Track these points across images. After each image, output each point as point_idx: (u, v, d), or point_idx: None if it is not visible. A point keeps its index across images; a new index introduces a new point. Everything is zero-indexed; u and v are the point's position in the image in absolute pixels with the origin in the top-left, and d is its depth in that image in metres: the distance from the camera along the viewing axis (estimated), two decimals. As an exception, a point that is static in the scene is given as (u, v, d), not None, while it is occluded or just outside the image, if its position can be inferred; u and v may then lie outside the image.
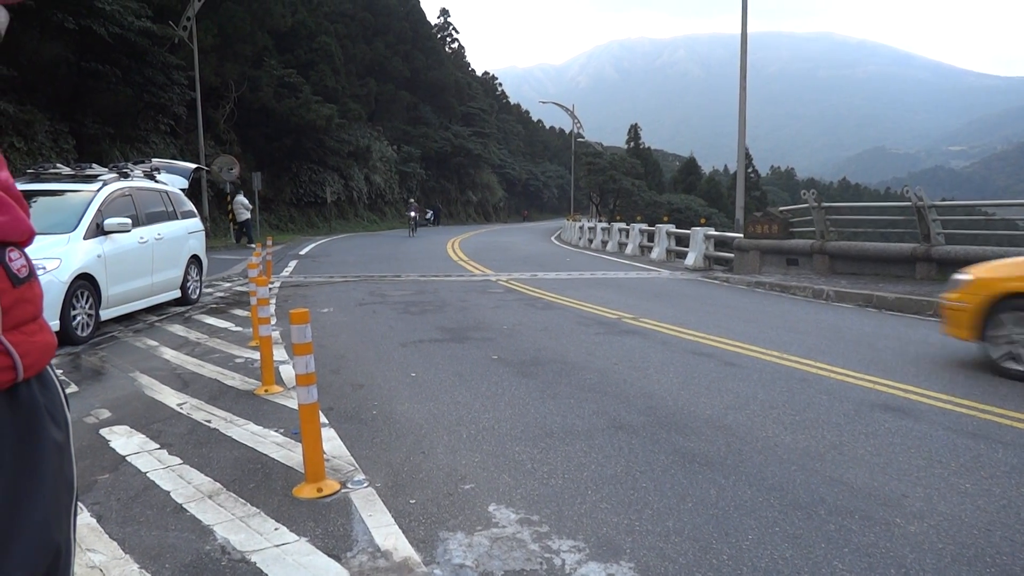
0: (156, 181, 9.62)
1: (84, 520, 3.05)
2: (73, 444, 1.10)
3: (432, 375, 5.74)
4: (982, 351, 5.93)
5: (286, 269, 15.24)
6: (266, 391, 5.19)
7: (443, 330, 7.78)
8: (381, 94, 49.90)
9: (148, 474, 3.63)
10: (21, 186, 1.07)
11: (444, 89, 59.24)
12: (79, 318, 7.01)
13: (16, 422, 0.99)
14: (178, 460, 3.84)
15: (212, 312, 9.30)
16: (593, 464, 3.74)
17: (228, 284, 12.64)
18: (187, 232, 9.80)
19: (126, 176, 8.79)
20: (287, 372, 5.68)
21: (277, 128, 32.42)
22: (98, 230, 7.59)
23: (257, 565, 2.68)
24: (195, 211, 10.50)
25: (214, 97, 28.98)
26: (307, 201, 35.50)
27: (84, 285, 7.14)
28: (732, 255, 14.99)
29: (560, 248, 25.11)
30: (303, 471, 3.49)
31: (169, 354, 6.63)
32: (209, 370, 5.97)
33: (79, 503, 1.16)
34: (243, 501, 3.28)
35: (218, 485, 3.48)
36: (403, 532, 2.95)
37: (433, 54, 59.02)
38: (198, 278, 10.16)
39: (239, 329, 7.96)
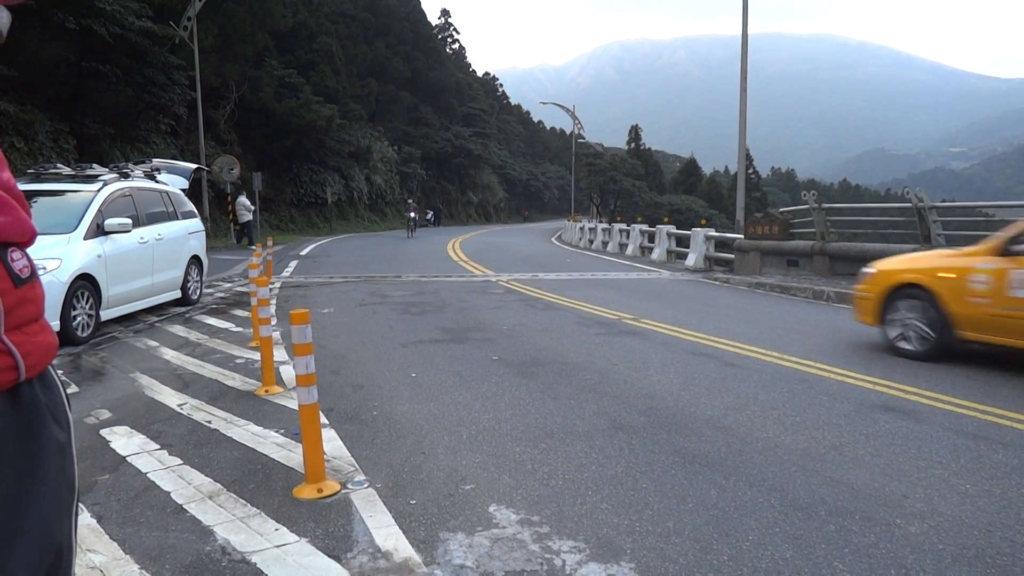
0: (156, 181, 9.62)
1: (84, 521, 3.05)
2: (75, 444, 1.10)
3: (432, 376, 5.74)
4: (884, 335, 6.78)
5: (286, 269, 15.24)
6: (266, 392, 5.19)
7: (443, 331, 7.78)
8: (382, 94, 49.92)
9: (148, 475, 3.63)
10: (21, 186, 1.07)
11: (445, 90, 59.26)
12: (79, 318, 7.01)
13: (18, 422, 0.99)
14: (178, 461, 3.84)
15: (212, 313, 9.30)
16: (593, 465, 3.74)
17: (228, 284, 12.64)
18: (187, 232, 9.80)
19: (126, 176, 8.79)
20: (287, 373, 5.68)
21: (278, 128, 32.43)
22: (98, 230, 7.59)
23: (257, 566, 2.68)
24: (195, 211, 10.50)
25: (215, 97, 29.00)
26: (307, 201, 35.50)
27: (84, 285, 7.14)
28: (732, 256, 14.99)
29: (560, 249, 25.11)
30: (303, 472, 3.49)
31: (169, 354, 6.63)
32: (209, 371, 5.97)
33: (79, 503, 1.16)
34: (243, 502, 3.28)
35: (218, 486, 3.48)
36: (403, 533, 2.95)
37: (434, 55, 59.05)
38: (198, 278, 10.16)
39: (239, 330, 7.96)
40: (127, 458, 3.88)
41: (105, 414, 4.72)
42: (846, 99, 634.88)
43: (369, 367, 6.10)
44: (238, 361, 6.33)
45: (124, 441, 4.16)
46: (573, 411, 4.73)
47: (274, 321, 7.65)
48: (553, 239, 32.06)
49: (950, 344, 6.24)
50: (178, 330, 7.95)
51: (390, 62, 50.23)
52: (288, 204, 34.50)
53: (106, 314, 7.63)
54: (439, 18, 73.50)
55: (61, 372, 1.13)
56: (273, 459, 3.85)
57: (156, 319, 8.65)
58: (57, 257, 6.83)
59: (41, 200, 7.67)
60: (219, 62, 27.47)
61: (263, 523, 3.05)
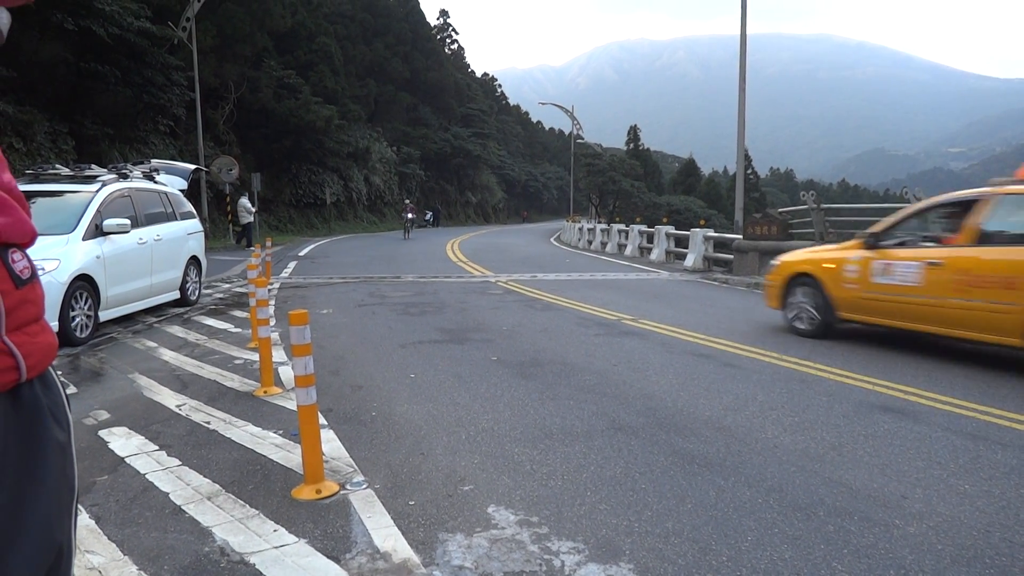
0: (155, 182, 9.61)
1: (83, 521, 3.05)
2: (74, 445, 1.10)
3: (431, 376, 5.74)
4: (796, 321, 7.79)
5: (285, 270, 15.24)
6: (265, 392, 5.19)
7: (442, 331, 7.78)
8: (381, 95, 49.93)
9: (147, 475, 3.63)
10: (20, 187, 1.07)
11: (444, 90, 59.26)
12: (78, 319, 7.00)
13: (20, 423, 1.00)
14: (177, 461, 3.84)
15: (211, 313, 9.30)
16: (592, 465, 3.74)
17: (227, 285, 12.64)
18: (186, 233, 9.80)
19: (125, 177, 8.78)
20: (286, 373, 5.68)
21: (276, 129, 32.42)
22: (97, 231, 7.58)
23: (256, 567, 2.68)
24: (194, 212, 10.49)
25: (213, 98, 28.98)
26: (306, 202, 35.49)
27: (83, 286, 7.13)
28: (731, 256, 15.00)
29: (559, 249, 25.12)
30: (302, 472, 3.49)
31: (168, 355, 6.62)
32: (208, 371, 5.97)
33: (78, 504, 1.16)
34: (242, 503, 3.28)
35: (217, 486, 3.47)
36: (402, 533, 2.95)
37: (433, 55, 59.05)
38: (197, 279, 10.16)
39: (238, 330, 7.95)
40: (126, 459, 3.88)
41: (104, 415, 4.72)
42: (845, 99, 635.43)
43: (368, 368, 6.10)
44: (237, 362, 6.33)
45: (123, 442, 4.16)
46: (572, 412, 4.73)
47: (273, 322, 7.66)
48: (552, 240, 32.06)
49: (832, 324, 7.37)
50: (177, 331, 7.95)
51: (389, 63, 50.24)
52: (287, 205, 34.50)
53: (105, 315, 7.63)
54: (438, 18, 73.56)
55: (60, 373, 1.13)
56: (272, 460, 3.85)
57: (155, 320, 8.65)
58: (56, 258, 6.83)
59: (40, 201, 7.67)
60: (218, 63, 27.45)
61: (262, 524, 3.05)
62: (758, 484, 3.48)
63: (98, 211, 7.70)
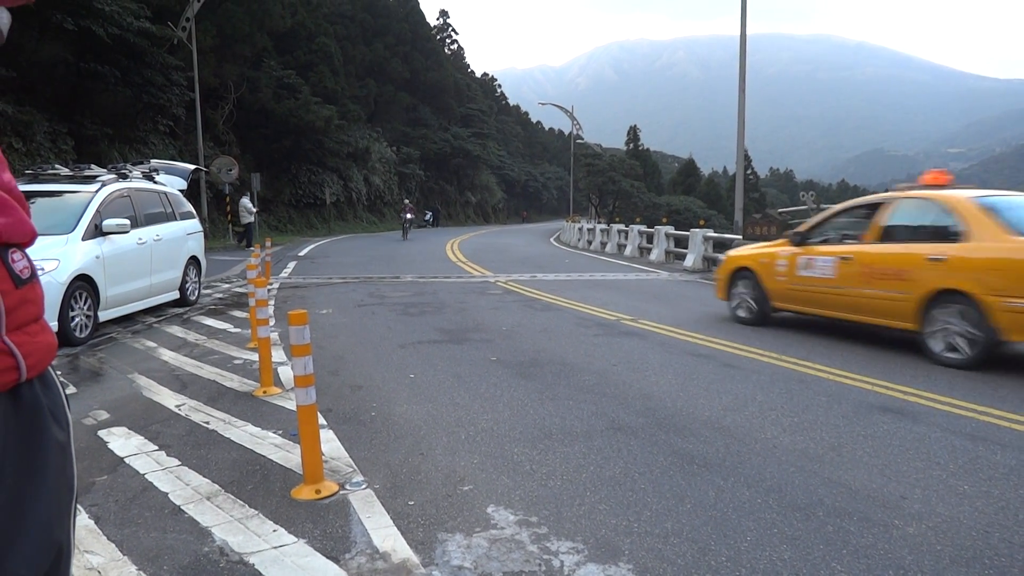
0: (155, 182, 9.61)
1: (82, 522, 3.05)
2: (74, 445, 1.11)
3: (431, 376, 5.74)
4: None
5: (285, 270, 15.24)
6: (265, 392, 5.19)
7: (442, 331, 7.78)
8: (380, 95, 49.93)
9: (146, 475, 3.63)
10: (20, 187, 1.07)
11: (443, 90, 59.27)
12: (77, 319, 7.00)
13: (20, 422, 1.00)
14: (176, 462, 3.84)
15: (211, 313, 9.30)
16: (592, 465, 3.75)
17: (227, 285, 12.64)
18: (186, 233, 9.79)
19: (125, 177, 8.78)
20: (286, 373, 5.68)
21: (276, 129, 32.42)
22: (96, 231, 7.58)
23: (255, 567, 2.68)
24: (194, 212, 10.49)
25: (213, 98, 28.98)
26: (306, 202, 35.48)
27: (82, 286, 7.13)
28: (731, 257, 15.01)
29: (559, 249, 25.12)
30: (301, 472, 3.49)
31: (168, 355, 6.62)
32: (208, 371, 5.97)
33: (77, 504, 1.16)
34: (241, 503, 3.28)
35: (216, 487, 3.47)
36: (402, 533, 2.95)
37: (432, 55, 59.06)
38: (197, 279, 10.16)
39: (238, 330, 7.95)
40: (125, 459, 3.88)
41: (103, 415, 4.72)
42: (845, 100, 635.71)
43: (367, 368, 6.10)
44: (236, 362, 6.33)
45: (122, 442, 4.16)
46: (571, 412, 4.73)
47: (272, 322, 7.66)
48: (551, 240, 32.06)
49: (768, 313, 8.21)
50: (176, 331, 7.95)
51: (388, 63, 50.25)
52: (286, 205, 34.49)
53: (104, 315, 7.63)
54: (437, 19, 73.60)
55: (59, 373, 1.14)
56: (271, 460, 3.85)
57: (154, 320, 8.65)
58: (55, 258, 6.82)
59: (39, 201, 7.66)
60: (217, 63, 27.45)
61: (261, 524, 3.05)
62: (757, 484, 3.48)
63: (97, 211, 7.69)
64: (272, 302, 9.82)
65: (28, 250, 1.09)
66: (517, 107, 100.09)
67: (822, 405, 4.88)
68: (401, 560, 2.72)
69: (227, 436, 4.25)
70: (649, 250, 19.76)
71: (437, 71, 58.22)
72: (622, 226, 23.67)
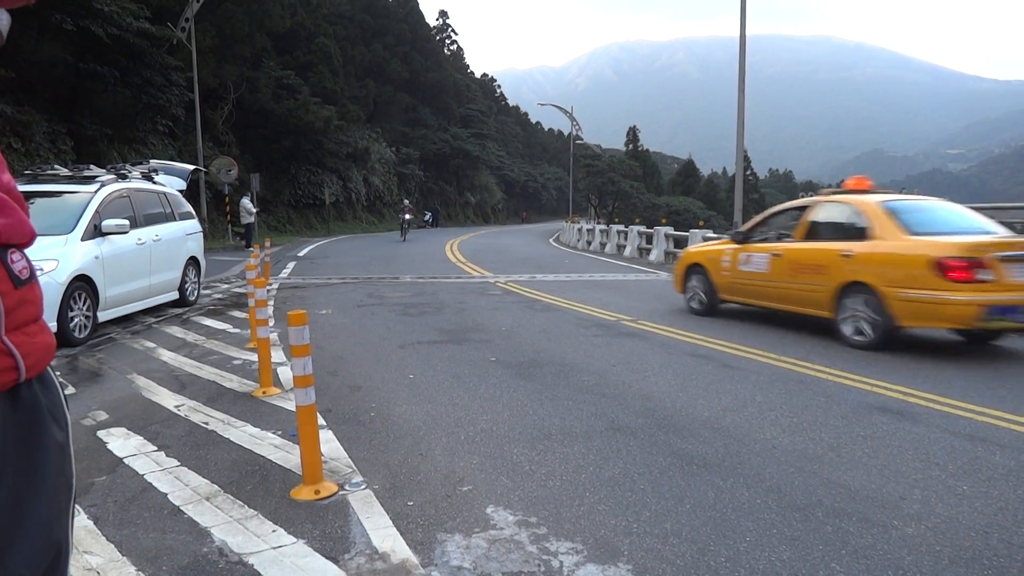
0: (154, 182, 9.61)
1: (81, 522, 3.05)
2: (72, 445, 1.11)
3: (430, 377, 5.74)
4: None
5: (284, 271, 15.24)
6: (264, 393, 5.19)
7: (441, 332, 7.78)
8: (380, 96, 49.93)
9: (146, 476, 3.63)
10: (19, 187, 1.08)
11: (443, 91, 59.29)
12: (76, 320, 7.00)
13: (19, 422, 1.00)
14: (176, 462, 3.83)
15: (210, 314, 9.29)
16: (591, 466, 3.75)
17: (226, 286, 12.63)
18: (185, 234, 9.79)
19: (124, 177, 8.78)
20: (285, 374, 5.68)
21: (276, 130, 32.42)
22: (96, 231, 7.58)
23: (255, 567, 2.68)
24: (193, 213, 10.49)
25: (212, 98, 28.97)
26: (305, 203, 35.49)
27: (82, 287, 7.13)
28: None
29: (558, 250, 25.12)
30: (301, 473, 3.49)
31: (167, 356, 6.62)
32: (207, 372, 5.97)
33: (76, 504, 1.16)
34: (241, 503, 3.28)
35: (216, 487, 3.47)
36: (401, 534, 2.95)
37: (432, 56, 59.09)
38: (196, 280, 10.16)
39: (237, 331, 7.95)
40: (124, 459, 3.88)
41: (102, 415, 4.71)
42: (844, 100, 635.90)
43: (367, 368, 6.10)
44: (236, 362, 6.33)
45: (121, 442, 4.16)
46: (571, 412, 4.73)
47: (272, 322, 7.66)
48: (551, 240, 32.06)
49: (716, 304, 8.97)
50: (176, 331, 7.95)
51: (388, 63, 50.26)
52: (286, 205, 34.50)
53: (103, 315, 7.62)
54: (437, 19, 73.67)
55: (58, 373, 1.14)
56: (271, 460, 3.85)
57: (154, 320, 8.64)
58: (54, 258, 6.82)
59: (38, 201, 7.66)
60: (217, 63, 27.45)
61: (260, 524, 3.05)
62: (756, 485, 3.48)
63: (97, 211, 7.69)
64: (271, 302, 9.81)
65: (27, 250, 1.09)
66: (517, 108, 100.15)
67: (821, 405, 4.88)
68: (400, 560, 2.72)
69: (226, 436, 4.25)
70: (648, 251, 19.77)
71: (436, 71, 58.25)
72: (621, 227, 23.68)
